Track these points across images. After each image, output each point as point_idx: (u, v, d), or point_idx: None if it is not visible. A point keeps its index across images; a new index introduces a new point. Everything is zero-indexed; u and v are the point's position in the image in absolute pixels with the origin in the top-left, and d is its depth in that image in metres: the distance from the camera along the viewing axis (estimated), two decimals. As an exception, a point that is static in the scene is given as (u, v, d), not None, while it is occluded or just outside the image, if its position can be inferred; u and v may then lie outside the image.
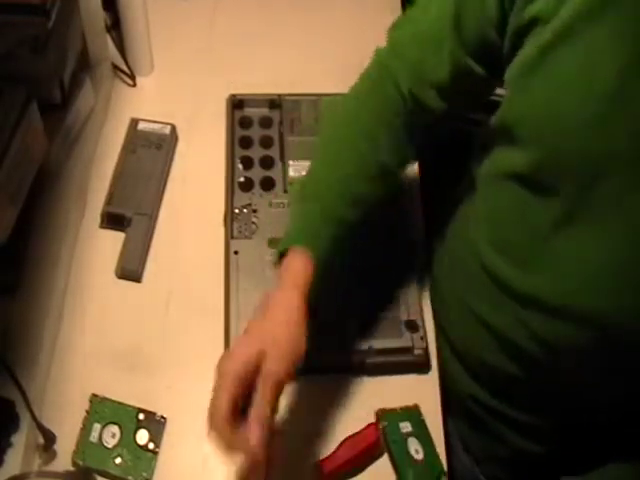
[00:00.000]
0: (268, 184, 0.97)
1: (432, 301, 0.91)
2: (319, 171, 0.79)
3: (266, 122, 1.03)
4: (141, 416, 0.80)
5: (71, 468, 0.77)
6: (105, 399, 0.80)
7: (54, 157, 0.90)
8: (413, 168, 1.01)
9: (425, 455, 0.80)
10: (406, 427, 0.81)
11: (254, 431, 0.63)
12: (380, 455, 0.81)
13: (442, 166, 1.04)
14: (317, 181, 0.78)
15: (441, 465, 0.81)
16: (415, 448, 0.80)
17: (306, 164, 0.98)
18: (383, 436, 0.81)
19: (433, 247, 0.93)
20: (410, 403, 0.84)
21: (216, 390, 0.64)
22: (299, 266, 0.71)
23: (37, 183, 0.84)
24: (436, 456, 0.81)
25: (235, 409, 0.64)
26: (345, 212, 0.76)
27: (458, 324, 0.84)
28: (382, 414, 0.82)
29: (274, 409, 0.65)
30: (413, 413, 0.83)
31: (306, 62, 1.13)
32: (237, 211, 0.94)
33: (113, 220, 0.94)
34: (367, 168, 0.77)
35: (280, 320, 0.68)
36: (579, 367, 0.70)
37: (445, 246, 0.88)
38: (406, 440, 0.81)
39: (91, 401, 0.80)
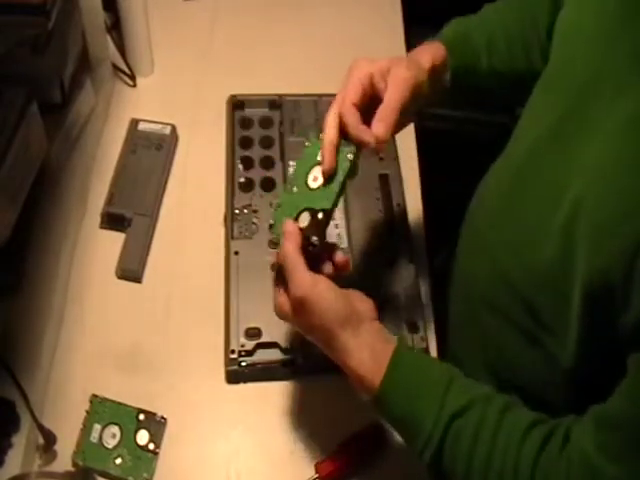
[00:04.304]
0: (268, 184, 0.96)
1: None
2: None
3: (266, 122, 1.03)
4: (141, 416, 0.80)
5: (71, 468, 0.77)
6: (105, 399, 0.80)
7: (54, 157, 0.90)
8: (413, 169, 1.02)
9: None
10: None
11: (380, 126, 0.66)
12: (380, 456, 0.81)
13: (443, 167, 1.04)
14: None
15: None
16: None
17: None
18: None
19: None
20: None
21: (344, 86, 0.69)
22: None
23: (37, 183, 0.84)
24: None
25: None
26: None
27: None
28: None
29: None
30: None
31: (306, 62, 1.13)
32: (237, 211, 0.93)
33: (113, 220, 0.94)
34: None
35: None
36: None
37: None
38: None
39: (91, 401, 0.80)
